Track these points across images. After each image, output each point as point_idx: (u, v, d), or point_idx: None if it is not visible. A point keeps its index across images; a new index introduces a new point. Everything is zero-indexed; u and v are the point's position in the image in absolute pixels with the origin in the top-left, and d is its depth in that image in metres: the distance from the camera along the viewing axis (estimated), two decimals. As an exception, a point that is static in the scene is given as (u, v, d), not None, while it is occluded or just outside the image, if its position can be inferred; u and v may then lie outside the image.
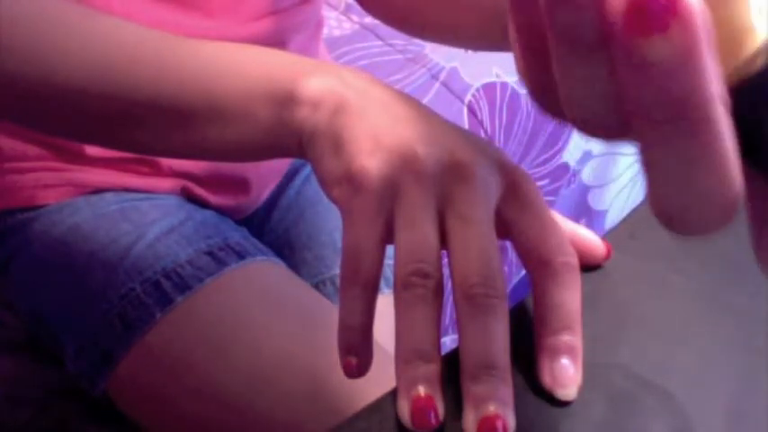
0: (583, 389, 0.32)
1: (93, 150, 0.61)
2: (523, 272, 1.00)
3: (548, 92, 0.22)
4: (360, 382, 0.34)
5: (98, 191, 0.61)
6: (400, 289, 0.31)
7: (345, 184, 0.33)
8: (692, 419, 0.31)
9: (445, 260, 0.32)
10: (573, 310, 0.32)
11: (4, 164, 0.61)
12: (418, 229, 0.32)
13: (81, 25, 0.40)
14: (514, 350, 0.31)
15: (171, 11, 0.57)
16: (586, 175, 1.26)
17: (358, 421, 0.31)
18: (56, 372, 0.63)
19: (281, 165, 0.74)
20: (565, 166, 1.20)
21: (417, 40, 1.08)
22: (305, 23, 0.67)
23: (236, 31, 0.60)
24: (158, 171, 0.63)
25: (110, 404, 0.58)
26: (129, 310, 0.55)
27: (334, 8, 1.17)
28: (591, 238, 0.38)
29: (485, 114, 1.04)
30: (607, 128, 0.21)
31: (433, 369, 0.30)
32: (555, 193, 1.22)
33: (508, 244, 0.34)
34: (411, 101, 0.36)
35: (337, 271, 0.70)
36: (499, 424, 0.29)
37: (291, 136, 0.36)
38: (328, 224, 0.73)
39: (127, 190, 0.62)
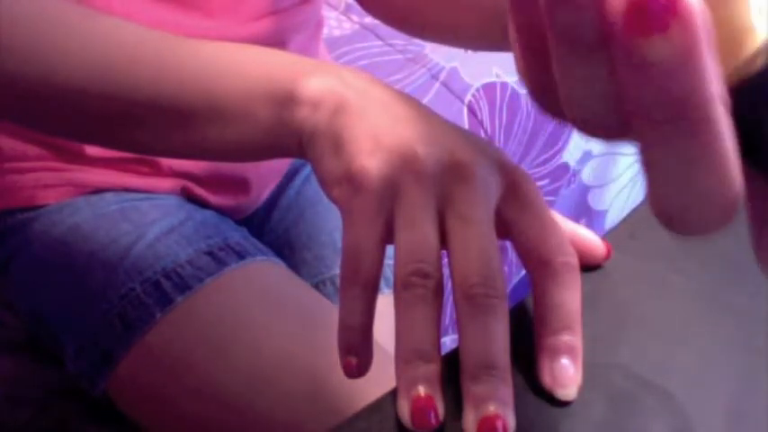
0: (583, 389, 0.31)
1: (93, 150, 0.61)
2: (523, 272, 1.00)
3: (548, 92, 0.22)
4: (360, 382, 0.34)
5: (98, 191, 0.61)
6: (400, 289, 0.31)
7: (345, 184, 0.33)
8: (692, 419, 0.31)
9: (445, 260, 0.32)
10: (573, 310, 0.32)
11: (4, 164, 0.61)
12: (418, 229, 0.32)
13: (81, 25, 0.40)
14: (514, 350, 0.31)
15: (171, 11, 0.57)
16: (586, 175, 1.26)
17: (358, 421, 0.31)
18: (56, 372, 0.63)
19: (281, 165, 0.74)
20: (565, 166, 1.20)
21: (417, 40, 1.08)
22: (305, 23, 0.67)
23: (236, 31, 0.60)
24: (158, 171, 0.63)
25: (110, 404, 0.58)
26: (129, 310, 0.55)
27: (334, 8, 1.17)
28: (591, 238, 0.38)
29: (485, 114, 1.04)
30: (607, 128, 0.21)
31: (433, 369, 0.30)
32: (555, 193, 1.22)
33: (508, 244, 0.34)
34: (411, 101, 0.36)
35: (337, 271, 0.70)
36: (499, 424, 0.29)
37: (291, 136, 0.36)
38: (328, 224, 0.73)
39: (127, 190, 0.62)
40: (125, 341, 0.55)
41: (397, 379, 0.31)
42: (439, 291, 0.31)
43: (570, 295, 0.32)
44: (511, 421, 0.29)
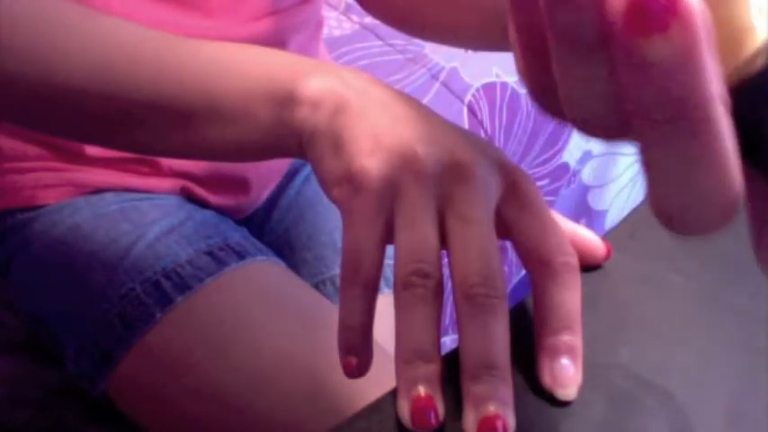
0: (583, 389, 0.31)
1: (93, 150, 0.61)
2: (523, 272, 1.00)
3: (548, 92, 0.22)
4: (360, 382, 0.34)
5: (98, 191, 0.61)
6: (400, 289, 0.31)
7: (345, 184, 0.33)
8: (692, 419, 0.31)
9: (445, 260, 0.32)
10: (573, 310, 0.32)
11: (4, 164, 0.61)
12: (418, 229, 0.32)
13: (81, 25, 0.40)
14: (514, 350, 0.31)
15: (171, 11, 0.57)
16: (586, 175, 1.26)
17: (358, 421, 0.31)
18: (56, 372, 0.63)
19: (281, 165, 0.74)
20: (565, 166, 1.20)
21: (417, 40, 1.08)
22: (305, 23, 0.67)
23: (236, 31, 0.60)
24: (158, 171, 0.63)
25: (110, 404, 0.58)
26: (129, 310, 0.55)
27: (334, 8, 1.17)
28: (591, 238, 0.38)
29: (485, 114, 1.04)
30: (607, 128, 0.21)
31: (433, 369, 0.30)
32: (555, 193, 1.22)
33: (508, 244, 0.34)
34: (411, 101, 0.36)
35: (337, 271, 0.70)
36: (499, 424, 0.29)
37: (291, 136, 0.36)
38: (328, 224, 0.73)
39: (127, 190, 0.62)
40: (125, 341, 0.55)
41: (397, 379, 0.31)
42: (439, 291, 0.31)
43: (570, 295, 0.32)
44: (511, 421, 0.29)
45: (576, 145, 1.20)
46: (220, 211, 0.66)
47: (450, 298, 0.37)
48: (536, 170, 1.16)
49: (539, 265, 0.33)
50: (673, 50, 0.17)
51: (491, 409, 0.29)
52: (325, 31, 0.81)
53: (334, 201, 0.35)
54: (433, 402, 0.30)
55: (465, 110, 1.03)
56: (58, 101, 0.40)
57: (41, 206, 0.61)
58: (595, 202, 1.31)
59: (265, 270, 0.59)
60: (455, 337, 0.51)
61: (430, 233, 0.32)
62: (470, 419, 0.29)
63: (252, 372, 0.53)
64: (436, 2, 0.50)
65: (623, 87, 0.18)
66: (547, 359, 0.32)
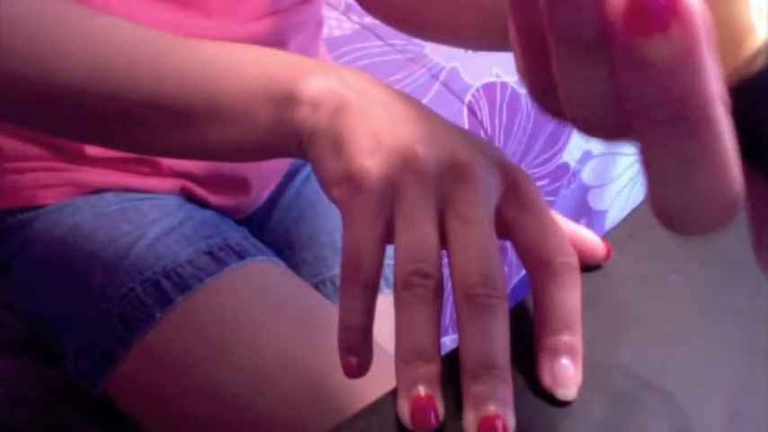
0: (583, 389, 0.31)
1: (93, 150, 0.61)
2: (523, 272, 1.00)
3: (548, 92, 0.22)
4: (360, 382, 0.34)
5: (98, 191, 0.61)
6: (400, 289, 0.31)
7: (345, 185, 0.33)
8: (692, 419, 0.31)
9: (445, 260, 0.32)
10: (573, 310, 0.32)
11: (4, 164, 0.61)
12: (418, 229, 0.32)
13: (81, 25, 0.40)
14: (514, 350, 0.31)
15: (171, 11, 0.57)
16: (586, 175, 1.26)
17: (358, 421, 0.31)
18: (56, 372, 0.63)
19: (281, 165, 0.74)
20: (565, 166, 1.20)
21: (417, 40, 1.08)
22: (305, 23, 0.67)
23: (236, 31, 0.60)
24: (158, 171, 0.63)
25: (110, 404, 0.58)
26: (129, 310, 0.55)
27: (334, 8, 1.17)
28: (591, 238, 0.38)
29: (485, 114, 1.04)
30: (607, 128, 0.21)
31: (433, 369, 0.30)
32: (555, 193, 1.22)
33: (508, 244, 0.34)
34: (411, 101, 0.36)
35: (337, 271, 0.70)
36: (499, 424, 0.29)
37: (291, 136, 0.36)
38: (328, 224, 0.73)
39: (127, 190, 0.62)
40: (125, 341, 0.55)
41: (397, 379, 0.31)
42: (439, 291, 0.31)
43: (570, 295, 0.32)
44: (511, 421, 0.29)
45: (576, 145, 1.20)
46: (220, 211, 0.66)
47: (451, 298, 0.37)
48: (536, 170, 1.16)
49: (539, 265, 0.33)
50: (673, 50, 0.17)
51: (491, 409, 0.29)
52: (325, 31, 0.81)
53: (334, 201, 0.35)
54: (433, 402, 0.30)
55: (465, 110, 1.03)
56: (58, 101, 0.40)
57: (41, 206, 0.61)
58: (595, 202, 1.31)
59: (265, 270, 0.59)
60: (455, 337, 0.51)
61: (430, 233, 0.32)
62: (470, 419, 0.29)
63: (252, 372, 0.53)
64: (436, 2, 0.50)
65: (623, 87, 0.18)
66: (547, 359, 0.32)
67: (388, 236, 0.33)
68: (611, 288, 0.37)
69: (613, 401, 0.32)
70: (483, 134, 1.03)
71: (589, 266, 0.38)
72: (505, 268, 1.14)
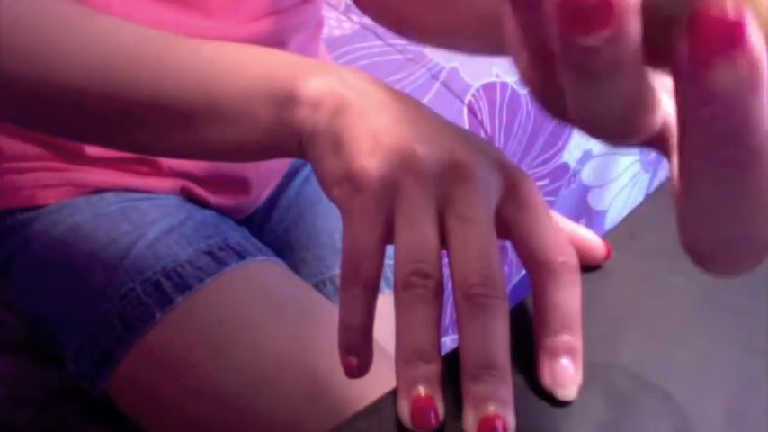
0: (583, 389, 0.31)
1: (93, 150, 0.61)
2: (523, 272, 1.00)
3: (550, 94, 0.22)
4: (360, 382, 0.34)
5: (98, 191, 0.61)
6: (400, 289, 0.31)
7: (345, 185, 0.33)
8: (692, 419, 0.31)
9: (445, 260, 0.32)
10: (573, 310, 0.32)
11: (4, 164, 0.61)
12: (418, 229, 0.32)
13: (81, 25, 0.40)
14: (514, 350, 0.31)
15: (171, 11, 0.57)
16: (586, 175, 1.26)
17: (358, 421, 0.31)
18: (56, 372, 0.63)
19: (281, 165, 0.74)
20: (565, 166, 1.20)
21: (417, 41, 1.08)
22: (305, 23, 0.67)
23: (236, 31, 0.60)
24: (158, 171, 0.63)
25: (110, 404, 0.58)
26: (129, 310, 0.55)
27: (334, 8, 1.17)
28: (591, 238, 0.38)
29: (485, 114, 1.04)
30: (614, 132, 0.21)
31: (433, 369, 0.30)
32: (555, 193, 1.22)
33: (508, 244, 0.34)
34: (411, 101, 0.36)
35: (337, 271, 0.70)
36: (499, 424, 0.29)
37: (291, 136, 0.36)
38: (328, 224, 0.73)
39: (127, 190, 0.62)
40: (125, 341, 0.55)
41: (397, 379, 0.31)
42: (439, 291, 0.31)
43: (570, 295, 0.32)
44: (511, 421, 0.29)
45: (576, 145, 1.20)
46: (220, 211, 0.66)
47: (451, 298, 0.37)
48: (536, 170, 1.16)
49: (539, 265, 0.33)
50: (739, 80, 0.17)
51: (491, 409, 0.29)
52: (325, 31, 0.81)
53: (334, 201, 0.35)
54: (433, 402, 0.30)
55: (465, 110, 1.03)
56: (58, 101, 0.40)
57: (41, 206, 0.61)
58: (595, 202, 1.31)
59: (265, 270, 0.59)
60: (455, 337, 0.51)
61: (430, 233, 0.32)
62: (470, 419, 0.29)
63: (252, 372, 0.53)
64: (434, 5, 0.50)
65: (681, 127, 0.18)
66: (547, 359, 0.32)
67: (388, 236, 0.33)
68: (611, 288, 0.37)
69: (613, 401, 0.32)
70: (483, 134, 1.03)
71: (589, 266, 0.38)
72: (505, 268, 1.14)
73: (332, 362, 0.36)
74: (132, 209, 0.60)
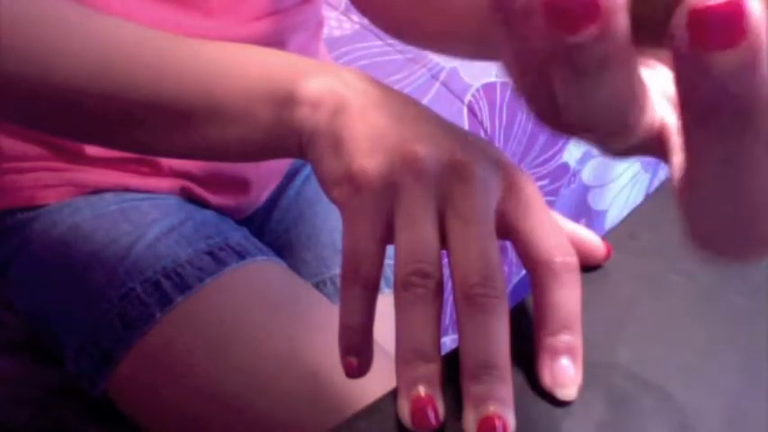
0: (583, 389, 0.31)
1: (93, 150, 0.61)
2: (523, 272, 1.00)
3: (544, 101, 0.22)
4: (360, 382, 0.34)
5: (98, 191, 0.61)
6: (400, 289, 0.31)
7: (345, 185, 0.33)
8: (692, 419, 0.31)
9: (445, 260, 0.32)
10: (573, 310, 0.32)
11: (4, 164, 0.61)
12: (418, 229, 0.32)
13: (80, 25, 0.40)
14: (514, 350, 0.31)
15: (171, 11, 0.57)
16: (586, 175, 1.26)
17: (358, 421, 0.31)
18: (56, 372, 0.63)
19: (281, 165, 0.74)
20: (565, 166, 1.20)
21: (417, 41, 1.08)
22: (305, 23, 0.67)
23: (236, 31, 0.60)
24: (158, 171, 0.63)
25: (110, 404, 0.58)
26: (129, 310, 0.55)
27: (335, 8, 1.17)
28: (591, 238, 0.38)
29: (485, 114, 1.04)
30: (606, 133, 0.21)
31: (433, 369, 0.30)
32: (555, 193, 1.22)
33: (508, 244, 0.34)
34: (411, 101, 0.36)
35: (337, 271, 0.70)
36: (499, 424, 0.29)
37: (291, 136, 0.36)
38: (328, 224, 0.73)
39: (127, 190, 0.62)
40: (125, 341, 0.55)
41: (397, 379, 0.31)
42: (439, 291, 0.31)
43: (570, 295, 0.32)
44: (511, 421, 0.29)
45: (576, 145, 1.20)
46: (220, 211, 0.66)
47: (451, 298, 0.37)
48: (536, 170, 1.16)
49: (539, 265, 0.33)
50: (740, 60, 0.16)
51: (491, 408, 0.29)
52: (325, 31, 0.81)
53: (334, 201, 0.35)
54: (433, 402, 0.30)
55: (465, 110, 1.03)
56: (58, 101, 0.40)
57: (41, 206, 0.61)
58: (595, 202, 1.31)
59: (265, 270, 0.59)
60: (455, 337, 0.51)
61: (430, 233, 0.32)
62: (470, 419, 0.29)
63: (252, 372, 0.53)
64: (433, 8, 0.50)
65: (679, 93, 0.18)
66: (547, 359, 0.32)
67: (389, 236, 0.33)
68: (611, 288, 0.37)
69: (613, 401, 0.32)
70: (483, 134, 1.03)
71: (589, 266, 0.38)
72: (505, 268, 1.14)
73: (332, 362, 0.36)
74: (132, 209, 0.60)
